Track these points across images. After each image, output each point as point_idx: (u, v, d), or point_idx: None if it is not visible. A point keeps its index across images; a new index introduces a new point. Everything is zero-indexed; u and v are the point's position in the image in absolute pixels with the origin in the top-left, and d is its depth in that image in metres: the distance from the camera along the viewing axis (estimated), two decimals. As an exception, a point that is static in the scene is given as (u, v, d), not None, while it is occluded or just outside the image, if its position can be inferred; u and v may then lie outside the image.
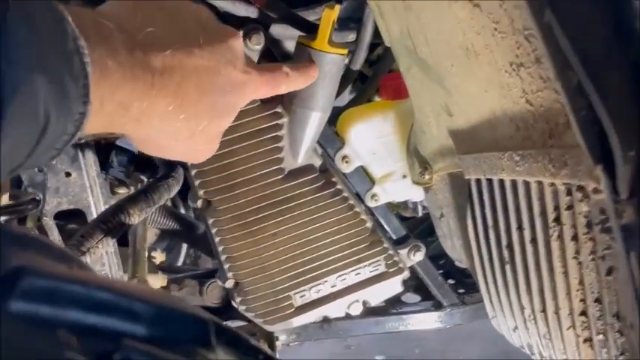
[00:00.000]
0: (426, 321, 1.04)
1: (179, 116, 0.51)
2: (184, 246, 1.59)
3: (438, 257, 1.17)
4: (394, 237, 0.94)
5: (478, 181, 0.69)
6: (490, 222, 0.69)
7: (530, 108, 0.52)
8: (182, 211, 1.34)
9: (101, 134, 0.49)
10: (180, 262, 1.59)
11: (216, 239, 0.81)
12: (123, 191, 0.95)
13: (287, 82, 0.65)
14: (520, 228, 0.63)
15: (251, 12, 0.76)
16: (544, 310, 0.64)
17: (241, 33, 0.59)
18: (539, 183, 0.56)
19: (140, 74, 0.45)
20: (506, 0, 0.44)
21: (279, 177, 0.80)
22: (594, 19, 0.31)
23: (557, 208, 0.55)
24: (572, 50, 0.30)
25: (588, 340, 0.58)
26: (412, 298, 1.12)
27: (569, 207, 0.53)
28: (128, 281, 0.65)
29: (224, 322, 1.01)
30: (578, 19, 0.30)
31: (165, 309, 0.28)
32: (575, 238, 0.54)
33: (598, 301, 0.54)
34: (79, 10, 0.42)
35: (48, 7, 0.37)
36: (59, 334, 0.24)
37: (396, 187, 0.90)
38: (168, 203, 1.48)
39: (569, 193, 0.52)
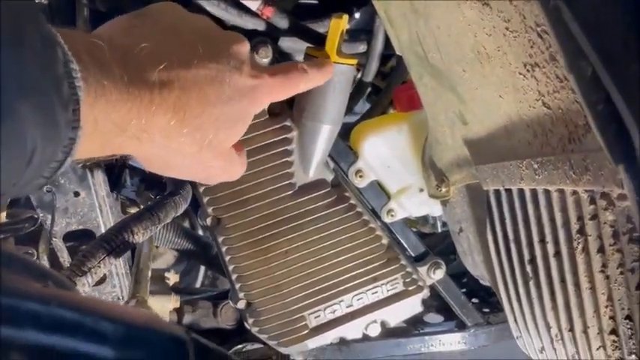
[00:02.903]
0: (450, 342, 0.99)
1: (182, 130, 0.49)
2: (202, 268, 1.57)
3: (460, 275, 1.12)
4: (413, 254, 0.91)
5: (497, 192, 0.65)
6: (511, 235, 0.65)
7: (547, 111, 0.49)
8: (200, 232, 1.33)
9: (104, 157, 0.47)
10: (198, 284, 1.58)
11: (227, 258, 0.78)
12: (134, 211, 0.94)
13: (305, 79, 0.62)
14: (542, 241, 0.59)
15: (258, 25, 0.75)
16: (571, 329, 0.60)
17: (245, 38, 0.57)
18: (561, 192, 0.53)
19: (136, 92, 0.43)
20: (516, -6, 0.41)
21: (290, 192, 0.77)
22: (610, 4, 0.28)
23: (580, 218, 0.52)
24: (585, 37, 0.27)
25: (620, 361, 0.54)
26: (435, 318, 1.07)
27: (594, 216, 0.49)
28: (114, 301, 0.63)
29: (241, 345, 0.98)
30: (592, 3, 0.27)
31: (137, 328, 0.26)
32: (601, 250, 0.50)
33: (629, 318, 0.50)
34: (70, 32, 0.41)
35: (38, 30, 0.36)
36: (11, 356, 0.22)
37: (413, 201, 0.87)
38: (187, 224, 1.47)
39: (592, 201, 0.49)
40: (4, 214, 0.68)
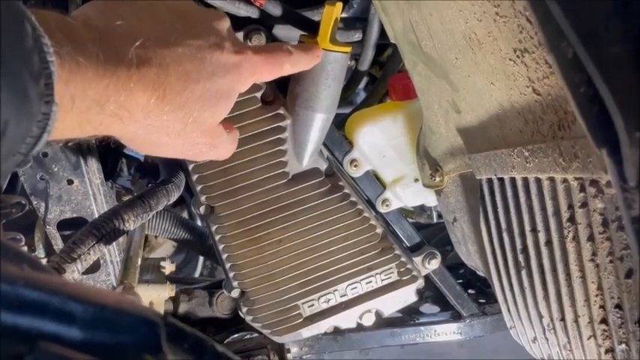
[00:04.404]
0: (445, 332, 0.99)
1: (163, 108, 0.48)
2: (201, 258, 1.58)
3: (456, 267, 1.12)
4: (408, 244, 0.90)
5: (489, 181, 0.65)
6: (504, 225, 0.65)
7: (537, 98, 0.48)
8: (198, 222, 1.33)
9: (87, 137, 0.46)
10: (197, 274, 1.58)
11: (220, 247, 0.78)
12: (130, 200, 0.94)
13: (290, 60, 0.61)
14: (534, 230, 0.59)
15: (252, 12, 0.74)
16: (563, 319, 0.60)
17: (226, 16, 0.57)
18: (551, 180, 0.52)
19: (113, 68, 0.43)
20: (504, -22, 0.41)
21: (283, 181, 0.77)
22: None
23: (571, 206, 0.51)
24: (565, 17, 0.26)
25: (610, 350, 0.54)
26: (431, 309, 1.07)
27: (584, 204, 0.49)
28: (92, 285, 0.63)
29: (234, 331, 0.98)
30: (572, -17, 0.27)
31: (107, 310, 0.25)
32: (591, 238, 0.50)
33: (619, 307, 0.50)
34: (43, 11, 0.41)
35: (5, 4, 0.35)
36: (-26, 336, 0.22)
37: (408, 191, 0.86)
38: (185, 214, 1.47)
39: (582, 189, 0.48)
40: (-10, 200, 0.68)
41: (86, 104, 0.42)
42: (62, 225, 0.84)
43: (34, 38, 0.36)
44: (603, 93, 0.28)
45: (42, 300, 0.24)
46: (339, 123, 0.88)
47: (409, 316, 1.02)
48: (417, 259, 0.89)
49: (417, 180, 0.85)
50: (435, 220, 1.04)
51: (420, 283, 0.88)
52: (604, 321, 0.53)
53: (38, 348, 0.21)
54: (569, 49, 0.28)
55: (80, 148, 0.79)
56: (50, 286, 0.24)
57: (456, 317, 0.99)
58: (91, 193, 0.81)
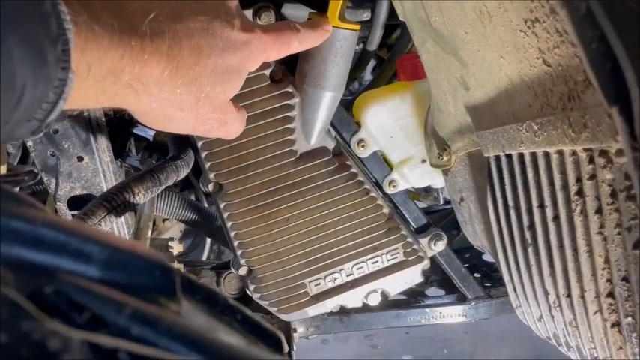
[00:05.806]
0: (450, 314, 1.00)
1: (177, 82, 0.49)
2: (208, 242, 1.59)
3: (463, 251, 1.13)
4: (414, 226, 0.91)
5: (497, 158, 0.65)
6: (511, 202, 0.65)
7: (547, 69, 0.48)
8: (205, 204, 1.34)
9: (103, 108, 0.47)
10: (204, 257, 1.59)
11: (228, 224, 0.79)
12: (138, 179, 0.94)
13: (298, 38, 0.61)
14: (542, 206, 0.59)
15: (261, -10, 0.74)
16: (569, 295, 0.60)
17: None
18: (560, 153, 0.52)
19: (127, 39, 0.43)
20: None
21: (291, 159, 0.77)
22: (604, -62, 0.27)
23: (579, 179, 0.51)
24: (578, -29, 0.27)
25: (616, 324, 0.54)
26: (437, 292, 1.08)
27: (592, 176, 0.49)
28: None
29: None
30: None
31: (124, 253, 0.26)
32: (599, 210, 0.50)
33: (625, 279, 0.50)
34: None
35: None
36: (-6, 270, 0.22)
37: (415, 172, 0.87)
38: (193, 198, 1.48)
39: (591, 160, 0.48)
40: (4, 167, 0.68)
41: (102, 73, 0.42)
42: (72, 202, 0.85)
43: (52, 4, 0.36)
44: (615, 47, 0.28)
45: (60, 240, 0.24)
46: (347, 104, 0.88)
47: (415, 298, 1.02)
48: (424, 241, 0.89)
49: (424, 161, 0.85)
50: (441, 202, 1.04)
51: (426, 263, 0.88)
52: (610, 294, 0.53)
53: (58, 279, 0.21)
54: (583, 3, 0.28)
55: (90, 126, 0.79)
56: (68, 227, 0.25)
57: (462, 299, 0.99)
58: (100, 171, 0.81)
